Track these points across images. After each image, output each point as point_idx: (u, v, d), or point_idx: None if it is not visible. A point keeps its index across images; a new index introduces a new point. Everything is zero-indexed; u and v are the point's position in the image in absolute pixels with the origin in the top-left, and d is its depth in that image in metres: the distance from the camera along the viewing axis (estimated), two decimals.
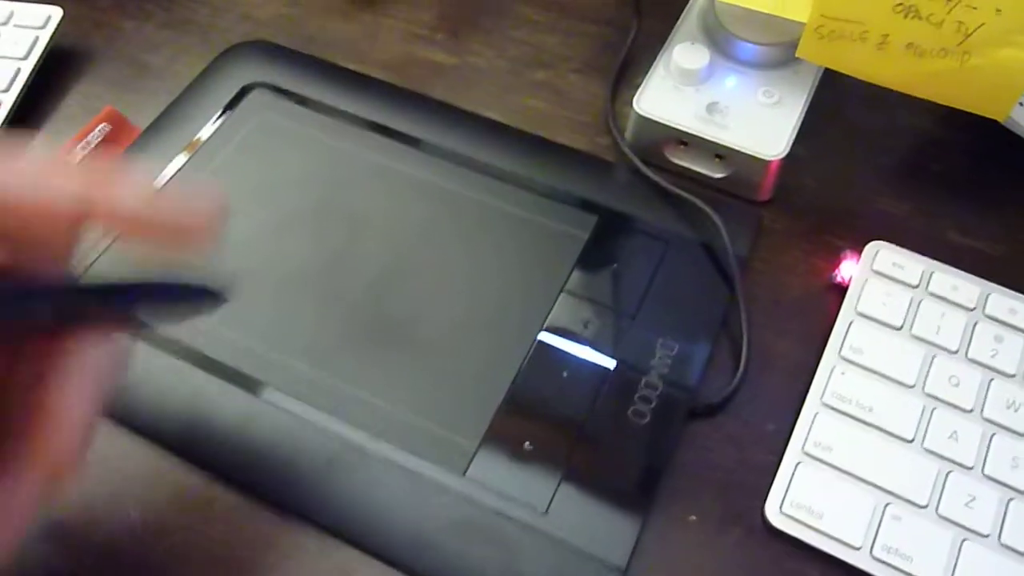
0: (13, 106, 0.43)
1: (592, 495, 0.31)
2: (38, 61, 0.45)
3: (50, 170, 0.22)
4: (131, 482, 0.33)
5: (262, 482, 0.33)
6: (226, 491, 0.33)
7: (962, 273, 0.36)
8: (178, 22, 0.49)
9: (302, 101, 0.43)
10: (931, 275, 0.36)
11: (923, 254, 0.37)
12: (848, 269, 0.37)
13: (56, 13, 0.46)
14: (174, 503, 0.32)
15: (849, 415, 0.33)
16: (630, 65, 0.46)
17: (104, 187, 0.23)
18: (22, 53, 0.45)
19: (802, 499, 0.31)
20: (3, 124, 0.43)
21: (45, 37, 0.45)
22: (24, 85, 0.44)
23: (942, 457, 0.32)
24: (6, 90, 0.44)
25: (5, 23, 0.46)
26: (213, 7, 0.50)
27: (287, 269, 0.37)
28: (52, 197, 0.22)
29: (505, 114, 0.44)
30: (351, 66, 0.46)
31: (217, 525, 0.32)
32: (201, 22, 0.49)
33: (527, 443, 0.32)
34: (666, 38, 0.43)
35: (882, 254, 0.37)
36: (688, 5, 0.44)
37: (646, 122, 0.40)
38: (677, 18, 0.43)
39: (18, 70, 0.44)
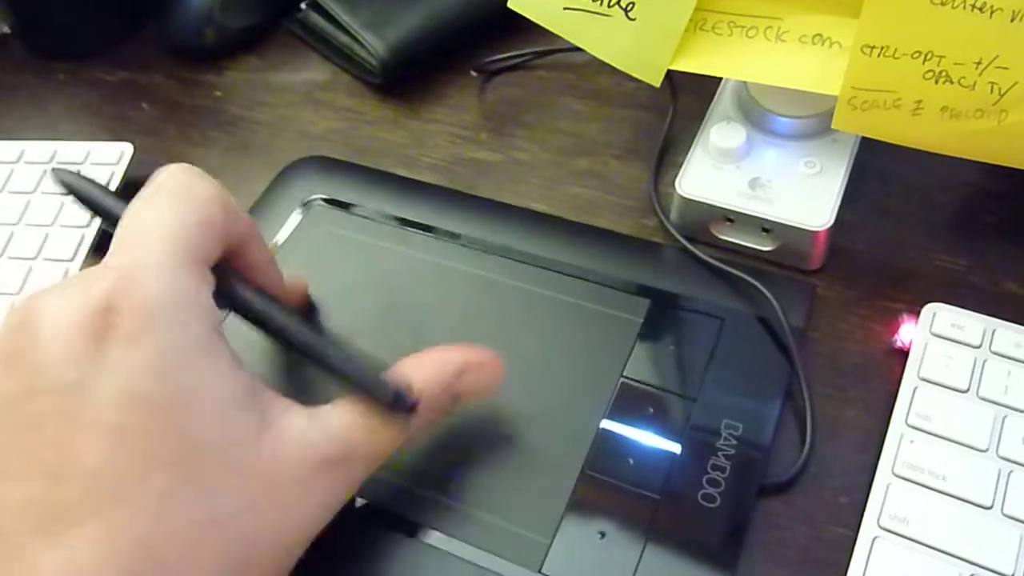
0: (95, 238, 0.46)
1: None
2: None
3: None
4: None
5: None
6: None
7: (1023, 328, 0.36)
8: (240, 146, 0.52)
9: (359, 211, 0.45)
10: (993, 333, 0.36)
11: (985, 309, 0.37)
12: (907, 333, 0.37)
13: (128, 149, 0.50)
14: None
15: (923, 485, 0.32)
16: (670, 147, 0.47)
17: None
18: None
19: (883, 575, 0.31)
20: (87, 255, 0.46)
21: (120, 172, 0.49)
22: None
23: (1023, 522, 0.31)
24: (87, 225, 0.47)
25: (83, 162, 0.50)
26: (271, 128, 0.53)
27: None
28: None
29: (552, 204, 0.46)
30: (402, 172, 0.48)
31: None
32: (262, 143, 0.52)
33: (600, 533, 0.33)
34: (703, 117, 0.44)
35: (940, 315, 0.37)
36: (721, 85, 0.45)
37: (690, 203, 0.41)
38: (712, 98, 0.44)
39: None
